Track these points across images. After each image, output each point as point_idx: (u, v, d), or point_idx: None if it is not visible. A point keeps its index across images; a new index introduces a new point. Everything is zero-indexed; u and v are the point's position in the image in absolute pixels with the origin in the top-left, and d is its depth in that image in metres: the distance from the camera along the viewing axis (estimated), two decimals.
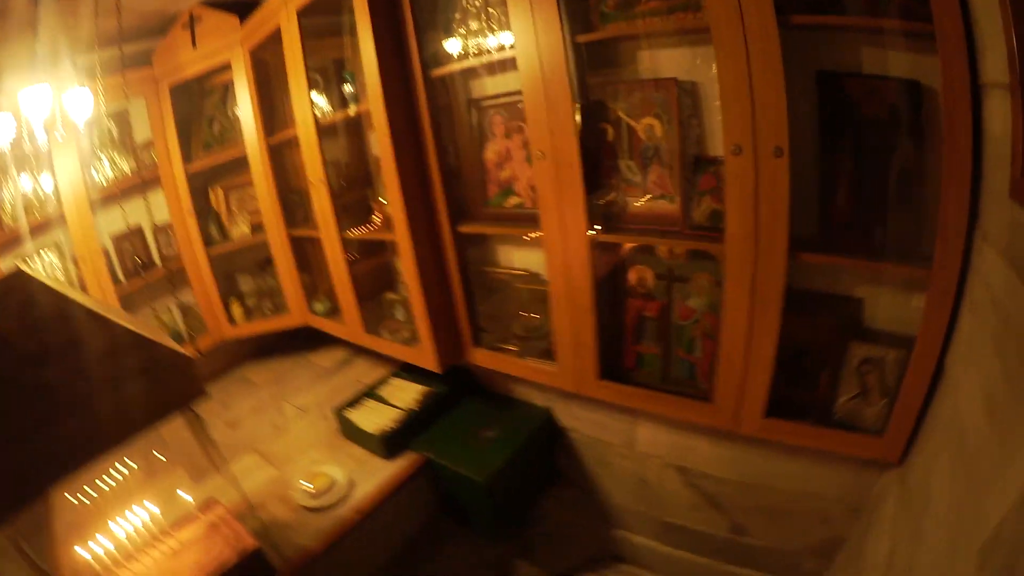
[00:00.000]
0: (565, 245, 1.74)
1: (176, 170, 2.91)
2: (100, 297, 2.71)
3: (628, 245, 1.80)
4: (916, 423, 1.35)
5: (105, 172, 2.79)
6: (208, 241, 3.04)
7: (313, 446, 2.46)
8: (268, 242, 2.92)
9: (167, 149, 2.89)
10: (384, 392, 2.59)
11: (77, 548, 1.66)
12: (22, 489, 1.23)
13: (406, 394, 2.52)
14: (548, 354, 1.99)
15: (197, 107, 3.00)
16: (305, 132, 2.41)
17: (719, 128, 1.43)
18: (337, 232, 2.48)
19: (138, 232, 2.95)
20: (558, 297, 1.83)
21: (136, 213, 2.88)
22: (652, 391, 1.78)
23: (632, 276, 1.82)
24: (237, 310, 3.16)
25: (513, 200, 2.00)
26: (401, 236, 2.08)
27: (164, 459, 2.13)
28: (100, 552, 1.66)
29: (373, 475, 2.21)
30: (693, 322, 1.73)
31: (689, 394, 1.72)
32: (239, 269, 3.27)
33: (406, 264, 2.14)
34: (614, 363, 1.89)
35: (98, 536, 1.69)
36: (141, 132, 2.90)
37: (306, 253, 2.93)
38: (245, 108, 2.69)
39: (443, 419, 2.41)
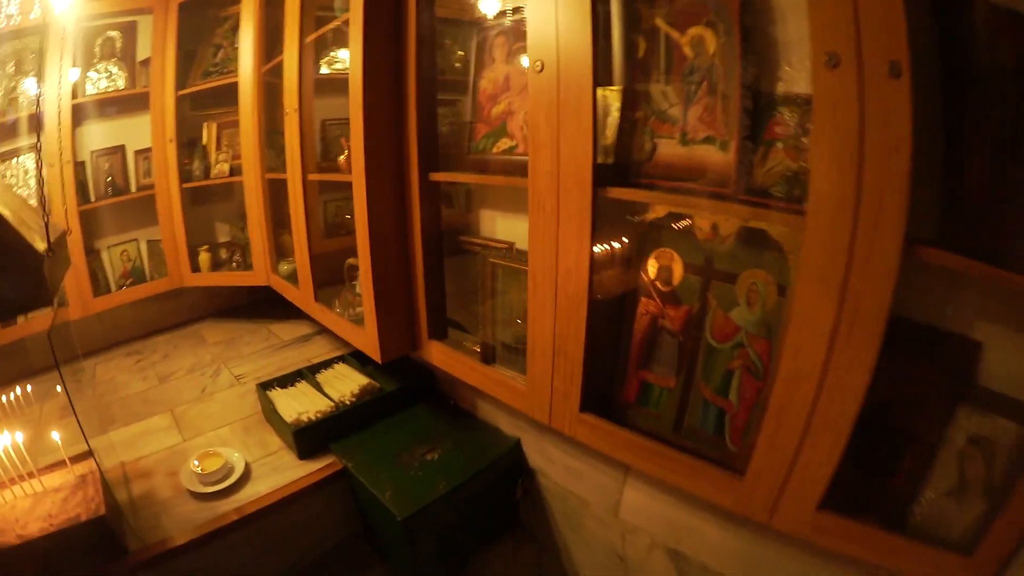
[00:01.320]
0: (557, 201, 1.20)
1: (167, 92, 2.57)
2: (59, 215, 2.37)
3: (650, 214, 1.23)
4: (1018, 544, 0.82)
5: (98, 83, 2.51)
6: (186, 177, 2.68)
7: (229, 422, 2.00)
8: (243, 184, 2.53)
9: (163, 69, 2.56)
10: (323, 377, 2.09)
11: None
12: None
13: (344, 384, 2.00)
14: (522, 364, 1.45)
15: (208, 34, 2.66)
16: (290, 54, 2.00)
17: (798, 45, 0.92)
18: (301, 172, 2.04)
19: (119, 151, 2.63)
20: (538, 279, 1.29)
21: (125, 134, 2.62)
22: (655, 442, 1.19)
23: (651, 264, 1.25)
24: (204, 258, 2.78)
25: (504, 143, 1.47)
26: (356, 176, 1.60)
27: (63, 391, 1.77)
28: None
29: (277, 472, 1.72)
30: (734, 346, 1.13)
31: (710, 457, 1.13)
32: (220, 217, 2.92)
33: (357, 215, 1.65)
34: (607, 391, 1.33)
35: None
36: (145, 51, 2.58)
37: (285, 209, 2.50)
38: (246, 34, 2.38)
39: (381, 424, 1.89)
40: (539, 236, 1.25)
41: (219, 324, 2.95)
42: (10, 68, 2.30)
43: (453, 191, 1.77)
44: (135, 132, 2.62)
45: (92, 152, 2.56)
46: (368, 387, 1.95)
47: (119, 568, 1.37)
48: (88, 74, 2.50)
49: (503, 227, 1.62)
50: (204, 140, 2.74)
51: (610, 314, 1.30)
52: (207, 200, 2.85)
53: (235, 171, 2.66)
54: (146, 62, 2.58)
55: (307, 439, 1.76)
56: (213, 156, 2.73)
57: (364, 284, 1.68)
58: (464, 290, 1.72)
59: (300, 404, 1.88)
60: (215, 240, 2.90)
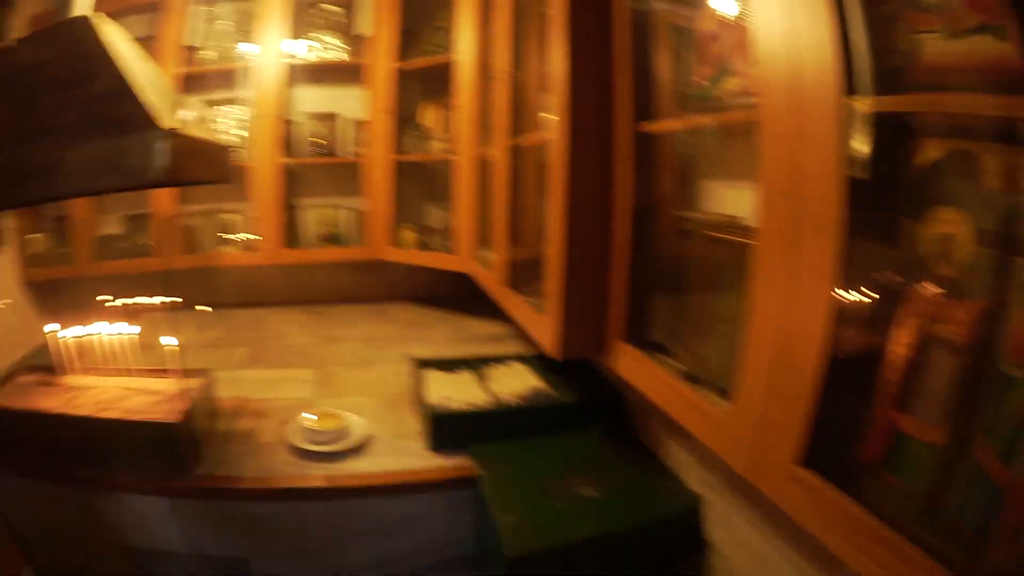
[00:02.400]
0: (797, 143, 0.74)
1: (385, 64, 2.63)
2: (261, 162, 2.58)
3: (920, 154, 0.69)
4: None
5: (318, 50, 2.70)
6: (399, 151, 2.70)
7: (374, 394, 1.84)
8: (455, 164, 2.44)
9: (381, 41, 2.64)
10: (492, 371, 1.81)
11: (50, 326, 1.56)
12: None
13: (512, 383, 1.70)
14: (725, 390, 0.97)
15: (431, 14, 2.68)
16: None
17: None
18: (508, 137, 1.83)
19: (331, 118, 2.78)
20: (768, 256, 0.82)
21: (339, 102, 2.79)
22: (897, 534, 0.64)
23: (926, 232, 0.70)
24: (408, 236, 2.76)
25: (732, 83, 1.03)
26: (556, 126, 1.30)
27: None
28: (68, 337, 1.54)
29: (397, 455, 1.49)
30: None
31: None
32: (432, 200, 2.90)
33: (553, 174, 1.34)
34: (838, 441, 0.79)
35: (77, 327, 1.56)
36: (364, 25, 2.74)
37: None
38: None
39: (540, 439, 1.53)
40: (774, 184, 0.79)
41: (411, 308, 2.89)
42: (229, 27, 2.60)
43: (660, 162, 1.37)
44: (348, 102, 2.75)
45: (303, 113, 2.74)
46: (539, 392, 1.62)
47: (177, 482, 1.37)
48: (306, 42, 2.68)
49: (731, 199, 1.16)
50: (419, 118, 2.76)
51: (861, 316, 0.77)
52: (420, 180, 2.86)
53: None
54: (363, 36, 2.71)
55: (445, 429, 1.49)
56: (428, 133, 2.73)
57: (552, 260, 1.36)
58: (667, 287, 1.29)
59: (453, 391, 1.62)
60: (423, 223, 2.88)
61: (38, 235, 2.51)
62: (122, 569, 1.50)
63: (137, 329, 1.55)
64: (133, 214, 2.65)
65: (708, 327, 1.13)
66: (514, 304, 1.77)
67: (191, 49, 2.58)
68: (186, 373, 1.55)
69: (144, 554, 1.48)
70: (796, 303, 0.78)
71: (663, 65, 1.25)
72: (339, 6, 2.73)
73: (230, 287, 2.82)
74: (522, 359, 1.89)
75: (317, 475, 1.39)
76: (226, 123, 2.61)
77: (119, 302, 1.69)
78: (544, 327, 1.45)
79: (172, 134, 0.93)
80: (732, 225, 1.07)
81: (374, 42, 2.65)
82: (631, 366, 1.28)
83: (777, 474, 0.81)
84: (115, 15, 1.22)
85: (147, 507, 1.41)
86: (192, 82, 2.56)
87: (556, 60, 1.30)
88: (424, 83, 2.74)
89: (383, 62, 2.63)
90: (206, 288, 2.67)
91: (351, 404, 1.73)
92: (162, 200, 2.55)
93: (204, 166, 1.09)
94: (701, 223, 1.17)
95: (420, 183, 2.88)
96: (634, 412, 1.61)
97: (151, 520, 1.42)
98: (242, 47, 2.61)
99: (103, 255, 2.57)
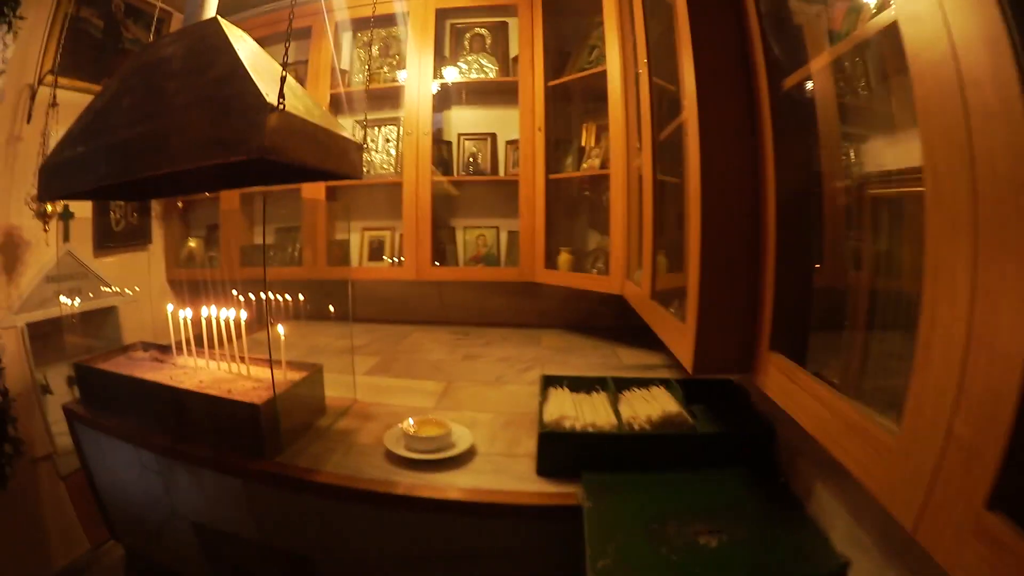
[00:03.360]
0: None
1: (536, 83, 2.63)
2: (412, 180, 2.71)
3: None
4: None
5: (467, 73, 2.82)
6: (554, 169, 2.66)
7: (496, 412, 1.73)
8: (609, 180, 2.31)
9: (531, 61, 2.65)
10: (629, 395, 1.58)
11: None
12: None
13: (647, 407, 1.45)
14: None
15: (583, 35, 2.66)
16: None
17: None
18: (651, 137, 1.65)
19: (488, 137, 2.86)
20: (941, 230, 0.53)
21: (496, 123, 2.86)
22: None
23: None
24: (564, 259, 2.66)
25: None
26: (688, 94, 1.10)
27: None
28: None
29: (498, 474, 1.33)
30: None
31: None
32: (591, 224, 2.81)
33: (688, 154, 1.14)
34: None
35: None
36: (515, 48, 2.81)
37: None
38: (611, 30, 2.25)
39: (667, 474, 1.27)
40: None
41: (563, 334, 2.75)
42: (375, 51, 2.83)
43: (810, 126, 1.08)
44: (504, 123, 2.78)
45: (459, 134, 2.84)
46: (674, 419, 1.36)
47: (253, 464, 1.37)
48: (459, 64, 2.78)
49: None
50: (574, 136, 2.71)
51: None
52: (577, 204, 2.79)
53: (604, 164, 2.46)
54: (516, 58, 2.74)
55: (555, 451, 1.31)
56: (585, 152, 2.65)
57: (689, 252, 1.15)
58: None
59: (575, 410, 1.44)
60: (580, 247, 2.77)
61: (191, 242, 2.95)
62: (188, 546, 1.56)
63: (245, 315, 1.64)
64: (285, 227, 2.93)
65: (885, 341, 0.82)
66: (658, 318, 1.54)
67: (343, 73, 2.85)
68: (293, 365, 1.60)
69: (211, 533, 1.52)
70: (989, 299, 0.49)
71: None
72: (490, 29, 2.82)
73: (379, 302, 2.95)
74: (666, 384, 1.63)
75: (402, 481, 1.29)
76: (378, 143, 2.84)
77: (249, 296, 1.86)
78: (682, 337, 1.21)
79: (275, 111, 0.97)
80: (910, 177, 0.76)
81: (525, 61, 2.67)
82: (780, 383, 0.98)
83: (958, 523, 0.50)
84: (264, 41, 1.33)
85: (222, 485, 1.44)
86: (344, 104, 2.79)
87: (679, 16, 1.12)
88: (582, 103, 2.71)
89: (534, 80, 2.64)
90: (354, 302, 2.89)
91: (466, 418, 1.64)
92: (315, 214, 2.78)
93: (313, 149, 1.12)
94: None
95: (580, 206, 2.79)
96: (784, 451, 1.26)
97: (224, 500, 1.45)
98: (397, 72, 2.82)
99: (250, 263, 2.85)
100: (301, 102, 1.13)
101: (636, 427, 1.36)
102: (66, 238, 2.47)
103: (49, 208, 2.36)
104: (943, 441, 0.53)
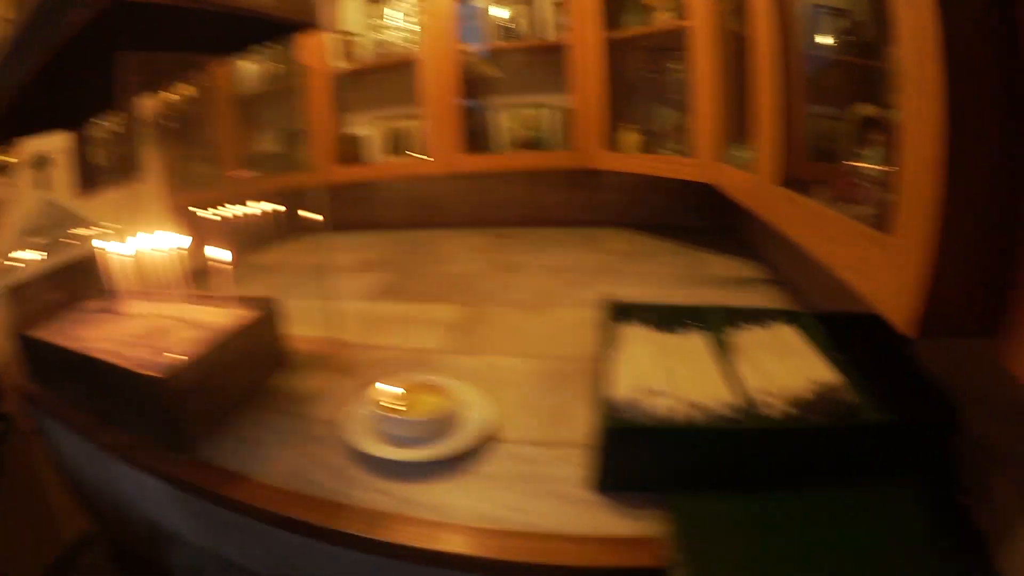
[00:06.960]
0: None
1: None
2: (433, 53, 2.12)
3: None
4: None
5: None
6: (613, 23, 1.98)
7: (534, 355, 1.22)
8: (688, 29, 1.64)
9: None
10: (740, 337, 1.02)
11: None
12: None
13: (778, 365, 0.89)
14: None
15: None
16: None
17: None
18: None
19: None
20: None
21: None
22: None
23: None
24: (630, 139, 2.06)
25: None
26: None
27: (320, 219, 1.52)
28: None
29: (529, 488, 0.83)
30: None
31: None
32: (663, 100, 2.10)
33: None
34: None
35: None
36: None
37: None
38: None
39: (811, 489, 0.74)
40: None
41: (629, 235, 2.18)
42: None
43: None
44: None
45: None
46: (827, 391, 0.81)
47: (166, 463, 0.96)
48: None
49: None
50: None
51: None
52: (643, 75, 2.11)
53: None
54: None
55: (628, 456, 0.79)
56: (651, 3, 1.92)
57: (911, 107, 0.55)
58: None
59: (664, 372, 0.90)
60: (650, 127, 2.10)
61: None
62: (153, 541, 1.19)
63: (187, 241, 1.18)
64: (290, 129, 2.47)
65: None
66: (801, 217, 0.95)
67: None
68: (242, 302, 1.15)
69: (170, 537, 1.14)
70: None
71: None
72: None
73: (402, 204, 2.48)
74: (796, 317, 1.06)
75: (359, 509, 0.81)
76: (394, 16, 2.21)
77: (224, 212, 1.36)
78: (885, 264, 0.64)
79: None
80: None
81: None
82: None
83: None
84: None
85: (149, 485, 1.02)
86: None
87: None
88: None
89: None
90: (373, 206, 2.40)
91: (488, 370, 1.14)
92: (320, 111, 2.29)
93: None
94: None
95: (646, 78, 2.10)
96: (968, 450, 0.74)
97: (161, 503, 1.06)
98: None
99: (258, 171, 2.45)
100: None
101: (776, 413, 0.81)
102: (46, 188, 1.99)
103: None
104: None
